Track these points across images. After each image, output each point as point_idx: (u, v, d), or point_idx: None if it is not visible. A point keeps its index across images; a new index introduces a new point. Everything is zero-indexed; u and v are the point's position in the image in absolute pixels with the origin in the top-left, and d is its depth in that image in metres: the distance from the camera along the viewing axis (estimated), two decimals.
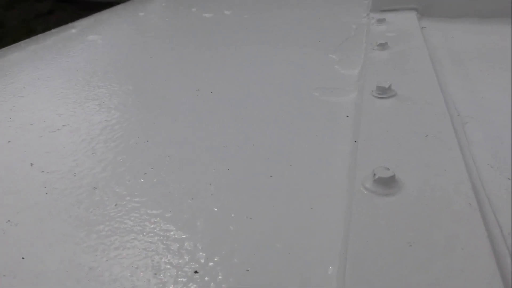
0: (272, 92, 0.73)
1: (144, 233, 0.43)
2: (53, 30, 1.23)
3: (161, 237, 0.43)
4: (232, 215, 0.45)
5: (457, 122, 0.61)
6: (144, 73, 0.85)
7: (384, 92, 0.66)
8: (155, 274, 0.38)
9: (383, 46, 0.86)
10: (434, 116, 0.59)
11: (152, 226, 0.44)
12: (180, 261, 0.40)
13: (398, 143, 0.53)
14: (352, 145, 0.56)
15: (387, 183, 0.45)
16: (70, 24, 1.27)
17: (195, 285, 0.37)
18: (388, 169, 0.46)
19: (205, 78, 0.79)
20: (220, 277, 0.38)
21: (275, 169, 0.52)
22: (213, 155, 0.56)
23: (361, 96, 0.68)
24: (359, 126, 0.58)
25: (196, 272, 0.38)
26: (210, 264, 0.39)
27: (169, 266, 0.39)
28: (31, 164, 0.55)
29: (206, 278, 0.38)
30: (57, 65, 0.90)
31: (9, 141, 0.61)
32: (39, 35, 1.18)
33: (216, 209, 0.46)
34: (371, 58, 0.81)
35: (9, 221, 0.45)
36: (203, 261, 0.40)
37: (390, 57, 0.82)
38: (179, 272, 0.38)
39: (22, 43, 1.12)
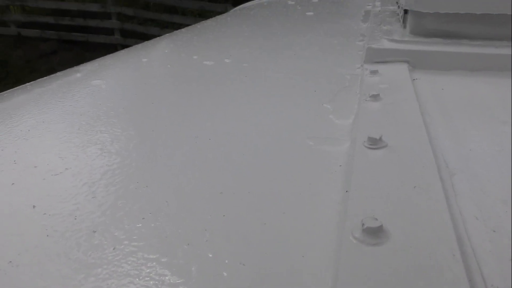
0: (268, 140, 0.76)
1: (140, 277, 0.45)
2: (58, 74, 1.28)
3: (157, 282, 0.44)
4: (226, 261, 0.47)
5: (445, 174, 0.64)
6: (146, 118, 0.88)
7: (375, 143, 0.69)
8: None
9: (375, 97, 0.90)
10: (422, 167, 0.61)
11: (148, 270, 0.46)
12: None
13: (387, 194, 0.55)
14: (343, 194, 0.59)
15: (375, 233, 0.47)
16: (75, 68, 1.31)
17: None
18: (376, 219, 0.48)
19: (204, 125, 0.82)
20: None
21: (269, 216, 0.54)
22: (209, 202, 0.58)
23: (353, 146, 0.71)
24: (350, 176, 0.61)
25: None
26: None
27: None
28: (34, 207, 0.57)
29: None
30: (62, 109, 0.94)
31: (13, 183, 0.63)
32: (45, 78, 1.23)
33: (210, 255, 0.48)
34: (364, 108, 0.85)
35: (10, 262, 0.47)
36: None
37: (382, 108, 0.86)
38: None
39: (28, 85, 1.16)
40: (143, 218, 0.54)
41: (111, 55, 1.53)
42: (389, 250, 0.45)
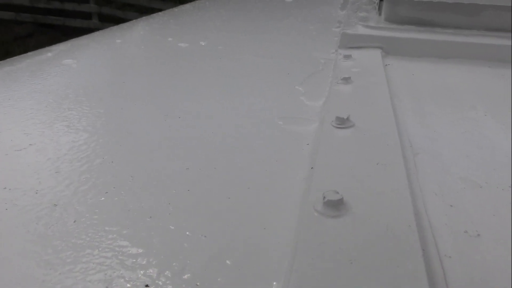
0: (239, 120, 0.75)
1: (100, 249, 0.44)
2: (29, 53, 1.25)
3: (116, 253, 0.44)
4: (187, 233, 0.47)
5: (409, 153, 0.65)
6: (115, 97, 0.87)
7: (342, 122, 0.70)
8: (107, 287, 0.40)
9: (347, 80, 0.91)
10: (387, 146, 0.62)
11: (108, 242, 0.45)
12: (133, 275, 0.41)
13: (350, 170, 0.56)
14: (309, 171, 0.59)
15: (335, 206, 0.47)
16: (47, 48, 1.28)
17: None
18: (337, 192, 0.49)
19: (174, 105, 0.81)
20: None
21: (233, 191, 0.55)
22: (175, 177, 0.58)
23: (322, 125, 0.72)
24: (316, 154, 0.61)
25: (147, 286, 0.40)
26: (162, 278, 0.41)
27: (121, 280, 0.41)
28: None
29: None
30: (29, 87, 0.92)
31: None
32: (15, 57, 1.20)
33: (172, 227, 0.48)
34: (335, 91, 0.85)
35: None
36: (155, 275, 0.41)
37: (352, 90, 0.87)
38: (130, 286, 0.40)
39: None
40: (106, 193, 0.54)
41: (85, 36, 1.50)
42: (349, 221, 0.46)
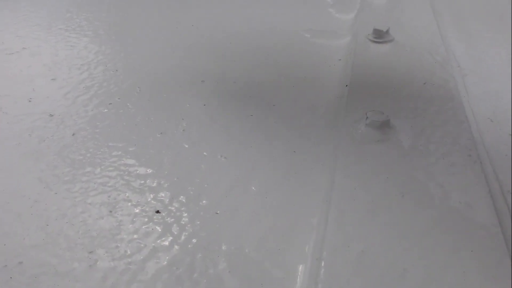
0: (260, 30, 0.66)
1: (102, 167, 0.38)
2: None
3: (121, 172, 0.37)
4: (205, 153, 0.40)
5: (457, 74, 0.56)
6: (123, 4, 0.77)
7: (380, 36, 0.60)
8: (110, 211, 0.33)
9: None
10: (434, 63, 0.54)
11: (112, 159, 0.39)
12: (141, 199, 0.35)
13: (393, 89, 0.48)
14: (342, 88, 0.51)
15: (380, 128, 0.40)
16: None
17: (155, 226, 0.33)
18: (383, 113, 0.41)
19: (188, 13, 0.71)
20: (185, 219, 0.33)
21: (256, 108, 0.47)
22: (189, 89, 0.50)
23: (355, 39, 0.63)
24: (351, 70, 0.53)
25: (158, 212, 0.34)
26: (175, 204, 0.35)
27: (127, 204, 0.34)
28: None
29: (169, 219, 0.33)
30: None
31: None
32: None
33: (186, 146, 0.41)
34: (368, 2, 0.75)
35: None
36: (167, 201, 0.35)
37: (388, 2, 0.76)
38: (138, 211, 0.34)
39: None
40: (110, 103, 0.47)
41: None
42: (396, 147, 0.38)
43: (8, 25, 0.65)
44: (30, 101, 0.47)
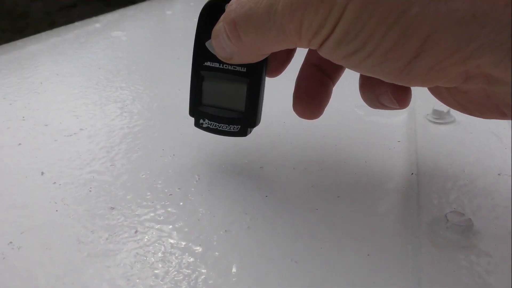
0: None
1: (168, 272, 0.36)
2: (76, 23, 1.18)
3: (189, 277, 0.35)
4: (273, 256, 0.38)
5: None
6: (171, 76, 0.79)
7: (441, 117, 0.58)
8: None
9: None
10: (505, 150, 0.51)
11: (177, 261, 0.37)
12: None
13: (466, 181, 0.45)
14: (408, 177, 0.49)
15: (463, 232, 0.37)
16: (94, 18, 1.21)
17: None
18: (463, 214, 0.38)
19: None
20: None
21: (321, 200, 0.45)
22: (248, 177, 0.49)
23: (413, 117, 0.61)
24: (416, 156, 0.51)
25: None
26: None
27: None
28: (42, 173, 0.49)
29: None
30: (78, 61, 0.84)
31: (20, 143, 0.55)
32: (61, 27, 1.13)
33: (254, 247, 0.39)
34: None
35: (11, 242, 0.39)
36: None
37: None
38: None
39: (43, 34, 1.06)
40: (170, 195, 0.46)
41: (132, 6, 1.42)
42: (480, 252, 0.35)
43: (66, 102, 0.66)
44: (90, 190, 0.46)
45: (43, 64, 0.84)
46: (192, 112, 0.46)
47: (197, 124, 0.46)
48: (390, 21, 0.26)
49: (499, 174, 0.46)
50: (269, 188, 0.47)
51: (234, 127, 0.45)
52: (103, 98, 0.68)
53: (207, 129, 0.45)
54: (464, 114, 0.59)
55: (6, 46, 0.97)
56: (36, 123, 0.60)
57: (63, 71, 0.79)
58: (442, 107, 0.58)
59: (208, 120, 0.46)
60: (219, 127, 0.45)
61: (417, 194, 0.43)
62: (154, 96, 0.69)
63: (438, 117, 0.58)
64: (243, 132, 0.44)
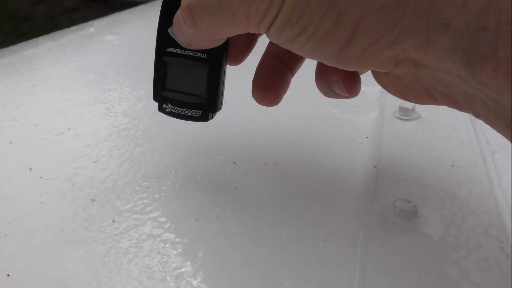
0: (288, 107, 0.69)
1: (140, 256, 0.40)
2: (72, 28, 1.22)
3: (160, 261, 0.39)
4: (238, 242, 0.41)
5: (486, 151, 0.57)
6: None
7: (407, 114, 0.62)
8: None
9: None
10: (462, 143, 0.54)
11: (149, 248, 0.41)
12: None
13: (421, 172, 0.49)
14: (370, 169, 0.52)
15: (408, 218, 0.41)
16: (89, 23, 1.25)
17: None
18: (410, 201, 0.42)
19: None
20: None
21: (287, 191, 0.49)
22: (222, 171, 0.52)
23: (382, 115, 0.64)
24: (379, 150, 0.54)
25: None
26: None
27: None
28: (30, 169, 0.52)
29: None
30: (70, 64, 0.88)
31: (11, 142, 0.58)
32: (57, 32, 1.17)
33: (221, 235, 0.42)
34: None
35: None
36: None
37: None
38: None
39: (39, 39, 1.10)
40: (148, 188, 0.49)
41: (127, 10, 1.46)
42: (424, 239, 0.39)
43: (56, 103, 0.70)
44: (73, 184, 0.50)
45: (36, 68, 0.87)
46: (155, 97, 0.47)
47: (161, 109, 0.47)
48: (326, 7, 0.29)
49: (452, 166, 0.50)
50: (240, 182, 0.51)
51: (195, 112, 0.46)
52: (91, 99, 0.72)
53: (170, 114, 0.46)
54: (428, 110, 0.62)
55: (4, 51, 1.01)
56: (27, 123, 0.64)
57: (55, 74, 0.83)
58: (408, 104, 0.62)
59: (171, 105, 0.47)
60: (182, 112, 0.46)
61: (374, 185, 0.47)
62: (140, 97, 0.73)
63: (404, 114, 0.61)
64: (204, 117, 0.45)
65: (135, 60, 0.92)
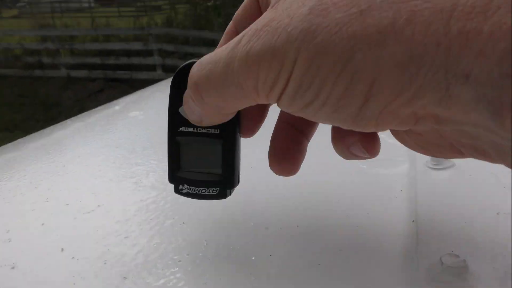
0: (315, 164, 0.68)
1: None
2: (98, 108, 1.27)
3: None
4: None
5: None
6: None
7: (440, 163, 0.60)
8: None
9: None
10: (503, 188, 0.52)
11: None
12: None
13: (464, 223, 0.46)
14: (408, 224, 0.50)
15: (458, 274, 0.38)
16: (114, 102, 1.30)
17: None
18: (458, 256, 0.39)
19: (248, 155, 0.75)
20: None
21: (323, 255, 0.46)
22: (253, 238, 0.51)
23: (414, 166, 0.63)
24: (415, 203, 0.52)
25: None
26: None
27: None
28: (62, 250, 0.52)
29: None
30: (98, 143, 0.90)
31: (43, 224, 0.59)
32: (85, 113, 1.22)
33: None
34: None
35: None
36: None
37: None
38: None
39: (68, 121, 1.15)
40: (180, 261, 0.48)
41: (150, 86, 1.52)
42: None
43: (85, 181, 0.71)
44: (105, 263, 0.49)
45: (66, 148, 0.90)
46: (171, 179, 0.46)
47: (177, 190, 0.45)
48: (338, 70, 0.28)
49: (497, 214, 0.47)
50: (273, 247, 0.49)
51: (213, 190, 0.45)
52: (119, 175, 0.73)
53: (187, 195, 0.45)
54: (463, 159, 0.60)
55: (35, 135, 1.05)
56: (58, 203, 0.64)
57: (84, 152, 0.85)
58: None
59: (187, 185, 0.46)
60: (198, 191, 0.44)
61: (416, 241, 0.44)
62: (167, 169, 0.73)
63: (437, 163, 0.59)
64: (222, 194, 0.43)
65: (161, 133, 0.94)
